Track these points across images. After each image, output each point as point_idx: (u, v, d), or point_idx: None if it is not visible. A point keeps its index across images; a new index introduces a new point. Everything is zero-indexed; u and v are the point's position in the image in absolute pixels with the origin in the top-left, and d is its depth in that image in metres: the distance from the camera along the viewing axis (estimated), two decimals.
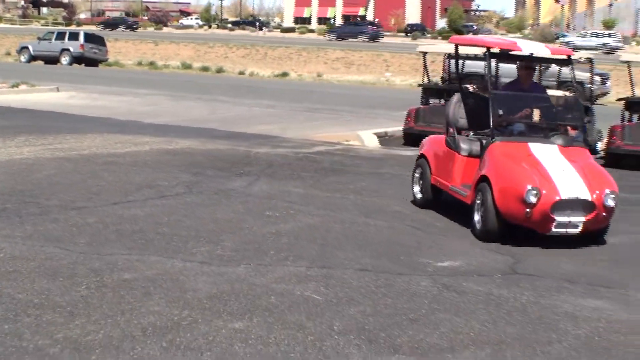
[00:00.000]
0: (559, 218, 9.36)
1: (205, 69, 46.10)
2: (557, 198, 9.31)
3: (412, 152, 17.37)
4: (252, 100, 28.08)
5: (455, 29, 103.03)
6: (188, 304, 6.74)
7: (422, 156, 11.98)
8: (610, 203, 9.43)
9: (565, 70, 22.89)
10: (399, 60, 53.04)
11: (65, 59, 44.87)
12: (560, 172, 9.63)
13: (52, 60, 44.80)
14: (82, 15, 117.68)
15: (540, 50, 11.74)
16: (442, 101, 19.21)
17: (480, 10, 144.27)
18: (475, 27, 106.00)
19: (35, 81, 29.95)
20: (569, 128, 11.19)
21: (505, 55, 11.92)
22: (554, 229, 9.46)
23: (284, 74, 44.34)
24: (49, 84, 29.49)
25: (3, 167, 12.86)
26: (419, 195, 11.79)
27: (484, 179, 9.84)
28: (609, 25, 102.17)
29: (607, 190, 9.46)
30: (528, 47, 11.83)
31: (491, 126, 10.23)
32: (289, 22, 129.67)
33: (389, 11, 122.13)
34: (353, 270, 8.02)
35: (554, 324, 6.78)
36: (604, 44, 78.10)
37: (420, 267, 8.28)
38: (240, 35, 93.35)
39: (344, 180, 13.40)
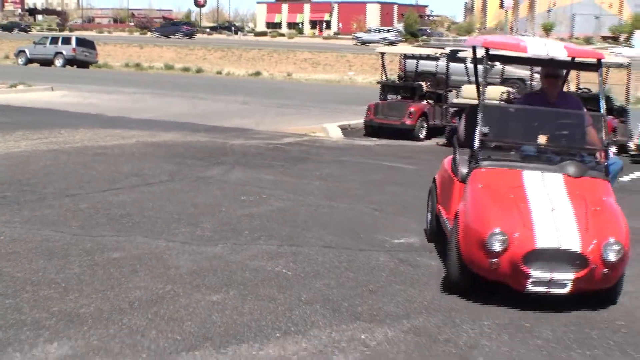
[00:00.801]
0: (536, 273, 6.36)
1: (186, 69, 45.84)
2: (532, 247, 6.38)
3: (371, 142, 17.56)
4: (229, 97, 27.99)
5: (411, 32, 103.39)
6: (171, 280, 6.76)
7: (433, 180, 9.09)
8: (612, 257, 6.37)
9: (508, 68, 23.02)
10: (360, 61, 52.98)
11: (58, 62, 44.51)
12: (549, 213, 6.69)
13: (46, 62, 44.43)
14: (74, 22, 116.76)
15: (557, 51, 7.95)
16: (399, 97, 19.34)
17: (434, 16, 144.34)
18: (428, 31, 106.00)
19: (31, 81, 29.67)
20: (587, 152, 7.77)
21: (503, 58, 10.28)
22: (529, 287, 6.43)
23: (257, 73, 44.19)
24: (44, 84, 29.22)
25: (2, 160, 12.78)
26: (427, 226, 8.99)
27: (456, 215, 7.17)
28: (547, 28, 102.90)
29: (611, 240, 6.41)
30: (537, 47, 8.05)
31: (475, 147, 7.41)
32: (261, 27, 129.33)
33: (351, 17, 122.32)
34: (318, 248, 8.05)
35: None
36: (384, 38, 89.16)
37: (379, 244, 8.33)
38: (217, 39, 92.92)
39: (310, 167, 13.40)
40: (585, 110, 8.20)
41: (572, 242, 6.42)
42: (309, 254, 7.81)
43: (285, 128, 18.93)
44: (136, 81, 34.25)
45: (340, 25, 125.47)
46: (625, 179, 13.64)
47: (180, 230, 8.49)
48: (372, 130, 18.61)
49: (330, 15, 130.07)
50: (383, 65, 20.36)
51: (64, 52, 45.01)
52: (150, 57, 52.90)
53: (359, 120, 19.59)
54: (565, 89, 17.64)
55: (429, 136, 18.63)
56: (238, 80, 39.45)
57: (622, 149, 15.96)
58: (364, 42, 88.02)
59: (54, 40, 46.90)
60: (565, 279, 6.38)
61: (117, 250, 7.61)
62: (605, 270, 6.39)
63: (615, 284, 6.75)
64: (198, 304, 6.17)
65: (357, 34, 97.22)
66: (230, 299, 6.34)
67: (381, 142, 17.56)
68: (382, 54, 21.05)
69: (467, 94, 17.85)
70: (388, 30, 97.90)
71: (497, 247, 6.38)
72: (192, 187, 11.13)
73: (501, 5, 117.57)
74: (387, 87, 20.06)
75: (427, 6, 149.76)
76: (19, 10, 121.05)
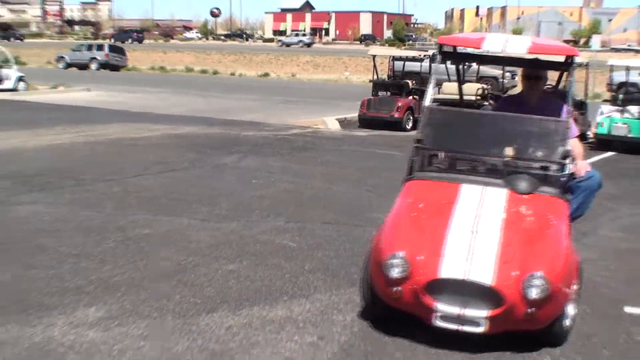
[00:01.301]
0: (442, 307, 4.69)
1: (203, 71, 45.59)
2: (433, 276, 4.69)
3: (365, 133, 17.51)
4: (241, 95, 27.94)
5: (399, 37, 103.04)
6: (192, 252, 6.78)
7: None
8: (533, 294, 4.57)
9: (484, 67, 22.93)
10: (355, 62, 52.77)
11: (94, 66, 44.42)
12: (468, 236, 4.91)
13: (83, 66, 44.33)
14: (107, 31, 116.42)
15: (515, 46, 6.06)
16: (388, 93, 19.33)
17: (418, 23, 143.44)
18: (414, 37, 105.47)
19: (70, 83, 29.67)
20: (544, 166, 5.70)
21: (462, 56, 7.75)
22: (438, 322, 4.75)
23: (266, 74, 44.00)
24: (82, 85, 29.18)
25: (46, 151, 12.80)
26: None
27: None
28: (516, 33, 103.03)
29: (535, 274, 4.60)
30: (493, 42, 6.13)
31: (410, 157, 5.73)
32: (269, 34, 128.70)
33: (347, 24, 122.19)
34: (320, 224, 8.06)
35: None
36: (300, 41, 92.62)
37: (372, 220, 8.32)
38: (231, 45, 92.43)
39: (313, 155, 13.38)
40: (569, 117, 5.86)
41: (484, 273, 4.60)
42: (312, 229, 7.82)
43: (290, 121, 18.91)
44: (160, 82, 34.17)
45: (337, 32, 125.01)
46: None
47: (201, 210, 8.50)
48: (366, 122, 18.63)
49: (329, 24, 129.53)
50: (375, 66, 20.42)
51: (98, 58, 44.92)
52: (173, 61, 52.67)
53: (354, 114, 19.56)
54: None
55: (414, 127, 18.58)
56: (249, 81, 39.33)
57: (582, 137, 15.82)
58: (287, 45, 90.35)
59: (90, 47, 46.86)
60: (477, 317, 4.60)
61: (147, 227, 7.63)
62: (529, 310, 4.56)
63: (552, 325, 4.87)
64: (216, 273, 6.20)
65: (280, 38, 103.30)
66: (243, 268, 6.36)
67: (374, 133, 17.53)
68: (374, 56, 21.05)
69: (447, 90, 18.09)
70: (304, 34, 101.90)
71: (394, 273, 4.72)
72: (211, 173, 11.15)
73: (477, 14, 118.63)
74: (378, 85, 20.08)
75: (412, 15, 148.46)
76: (59, 22, 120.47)
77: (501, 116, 6.09)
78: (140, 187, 9.72)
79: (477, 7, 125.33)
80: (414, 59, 22.39)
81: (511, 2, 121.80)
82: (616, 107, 15.59)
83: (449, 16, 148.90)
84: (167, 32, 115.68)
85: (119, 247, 6.88)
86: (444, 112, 6.56)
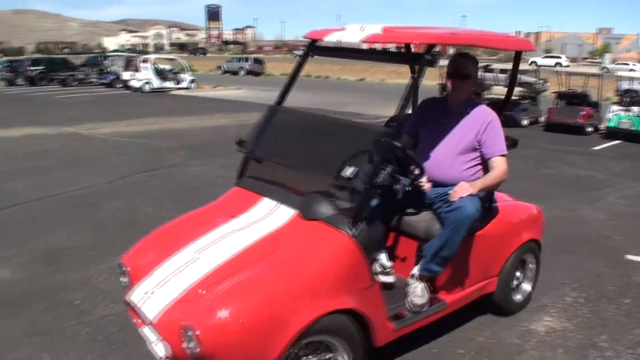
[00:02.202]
0: (143, 332, 2.90)
1: (318, 77, 45.88)
2: (127, 295, 3.05)
3: None
4: (345, 93, 27.95)
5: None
6: None
7: None
8: (186, 344, 2.54)
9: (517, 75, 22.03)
10: (429, 71, 51.68)
11: (242, 72, 45.42)
12: (185, 259, 3.01)
13: (235, 72, 45.39)
14: (252, 48, 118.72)
15: (351, 35, 3.30)
16: None
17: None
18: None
19: (226, 84, 30.46)
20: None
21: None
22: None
23: (362, 79, 43.80)
24: (234, 86, 29.93)
25: (208, 130, 13.27)
26: None
27: None
28: (548, 51, 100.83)
29: (184, 324, 2.55)
30: (339, 33, 3.41)
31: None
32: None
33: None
34: None
35: None
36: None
37: None
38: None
39: None
40: (488, 132, 3.46)
41: (153, 306, 2.84)
42: None
43: (382, 112, 18.80)
44: (280, 84, 34.49)
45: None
46: (596, 148, 13.07)
47: None
48: None
49: None
50: (441, 74, 19.91)
51: (246, 66, 45.85)
52: (286, 69, 53.00)
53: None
54: (561, 88, 16.60)
55: None
56: (349, 83, 39.22)
57: (596, 129, 15.93)
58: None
59: (239, 60, 47.94)
60: (159, 355, 2.76)
61: None
62: None
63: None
64: None
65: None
66: None
67: None
68: (440, 66, 20.51)
69: (495, 92, 17.90)
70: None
71: (121, 279, 3.26)
72: None
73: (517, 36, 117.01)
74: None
75: None
76: (218, 42, 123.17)
77: (322, 119, 3.81)
78: None
79: (516, 32, 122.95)
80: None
81: (543, 29, 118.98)
82: (622, 107, 15.56)
83: None
84: (292, 48, 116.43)
85: None
86: (277, 111, 4.03)
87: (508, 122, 16.46)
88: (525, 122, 16.84)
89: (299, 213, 3.14)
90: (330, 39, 3.47)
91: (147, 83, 25.81)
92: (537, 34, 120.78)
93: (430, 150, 3.60)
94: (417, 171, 3.25)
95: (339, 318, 2.84)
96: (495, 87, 18.37)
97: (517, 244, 4.04)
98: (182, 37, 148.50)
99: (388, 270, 3.55)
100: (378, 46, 3.65)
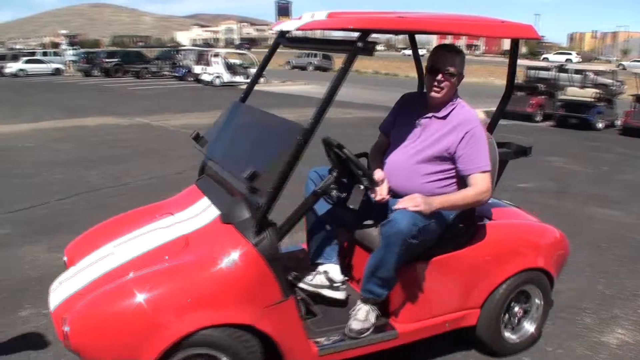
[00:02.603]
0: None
1: (386, 74, 45.60)
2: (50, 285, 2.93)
3: (504, 122, 16.69)
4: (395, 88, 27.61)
5: (532, 53, 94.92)
6: None
7: None
8: (64, 339, 2.44)
9: (593, 76, 21.11)
10: (500, 70, 50.34)
11: (310, 67, 45.84)
12: (103, 253, 2.96)
13: (303, 68, 45.79)
14: None
15: (290, 23, 3.04)
16: (524, 93, 18.27)
17: (546, 42, 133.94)
18: (544, 52, 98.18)
19: (294, 79, 30.81)
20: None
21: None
22: None
23: (395, 75, 43.42)
24: (302, 81, 30.24)
25: None
26: None
27: None
28: (625, 52, 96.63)
29: (65, 317, 2.47)
30: (293, 21, 3.04)
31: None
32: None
33: (493, 42, 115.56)
34: None
35: None
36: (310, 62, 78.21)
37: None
38: (401, 54, 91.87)
39: None
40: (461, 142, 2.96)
41: (54, 299, 2.78)
42: None
43: None
44: (354, 80, 34.50)
45: (485, 47, 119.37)
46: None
47: None
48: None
49: (478, 39, 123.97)
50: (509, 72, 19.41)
51: (313, 62, 46.18)
52: (363, 66, 52.65)
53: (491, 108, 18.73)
54: (639, 91, 14.19)
55: (544, 119, 17.63)
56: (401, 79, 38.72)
57: (612, 124, 16.35)
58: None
59: (308, 55, 48.27)
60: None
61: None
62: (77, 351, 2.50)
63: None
64: None
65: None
66: None
67: (509, 123, 16.76)
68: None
69: (569, 93, 17.29)
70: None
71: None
72: None
73: (593, 36, 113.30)
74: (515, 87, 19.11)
75: (544, 36, 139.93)
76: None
77: (258, 115, 3.40)
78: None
79: (594, 31, 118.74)
80: (543, 69, 21.39)
81: (621, 28, 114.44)
82: None
83: (572, 38, 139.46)
84: None
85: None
86: (237, 107, 3.58)
87: (583, 124, 15.84)
88: (600, 125, 16.17)
89: (219, 215, 2.86)
90: (276, 29, 3.22)
91: (217, 77, 26.42)
92: (614, 34, 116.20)
93: (393, 154, 3.17)
94: (365, 180, 2.86)
95: (234, 333, 2.54)
96: (569, 89, 17.76)
97: (511, 271, 3.29)
98: (252, 32, 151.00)
99: (337, 285, 3.12)
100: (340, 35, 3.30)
